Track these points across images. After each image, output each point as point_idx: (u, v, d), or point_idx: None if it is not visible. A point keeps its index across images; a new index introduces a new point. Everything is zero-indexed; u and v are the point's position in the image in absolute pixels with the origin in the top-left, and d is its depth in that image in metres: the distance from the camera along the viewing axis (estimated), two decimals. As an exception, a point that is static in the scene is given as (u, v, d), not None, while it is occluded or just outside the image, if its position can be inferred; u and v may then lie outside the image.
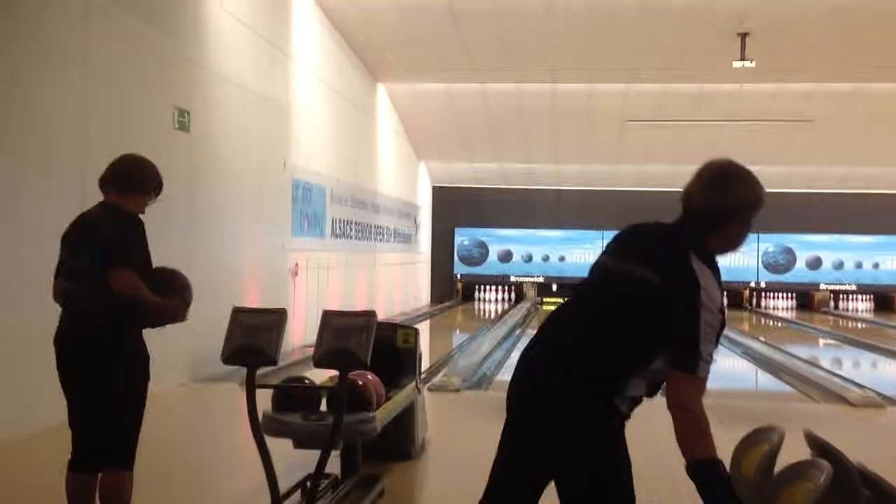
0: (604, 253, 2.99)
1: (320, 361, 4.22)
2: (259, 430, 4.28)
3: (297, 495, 4.91)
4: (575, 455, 2.83)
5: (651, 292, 2.73)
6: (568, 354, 2.81)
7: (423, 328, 16.49)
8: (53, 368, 4.02)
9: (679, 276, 2.73)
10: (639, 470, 3.12)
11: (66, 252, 4.06)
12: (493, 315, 21.43)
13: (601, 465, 2.89)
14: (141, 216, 4.12)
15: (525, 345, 3.00)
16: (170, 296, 4.08)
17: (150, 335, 4.08)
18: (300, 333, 12.72)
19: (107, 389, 3.90)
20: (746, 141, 21.20)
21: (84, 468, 3.97)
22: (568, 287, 25.28)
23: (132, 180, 4.09)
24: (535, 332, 2.99)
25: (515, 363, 2.97)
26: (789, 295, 25.44)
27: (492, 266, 25.10)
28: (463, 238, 25.32)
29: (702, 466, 2.89)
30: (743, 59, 14.49)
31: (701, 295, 2.71)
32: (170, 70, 9.03)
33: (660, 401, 2.93)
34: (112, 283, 3.85)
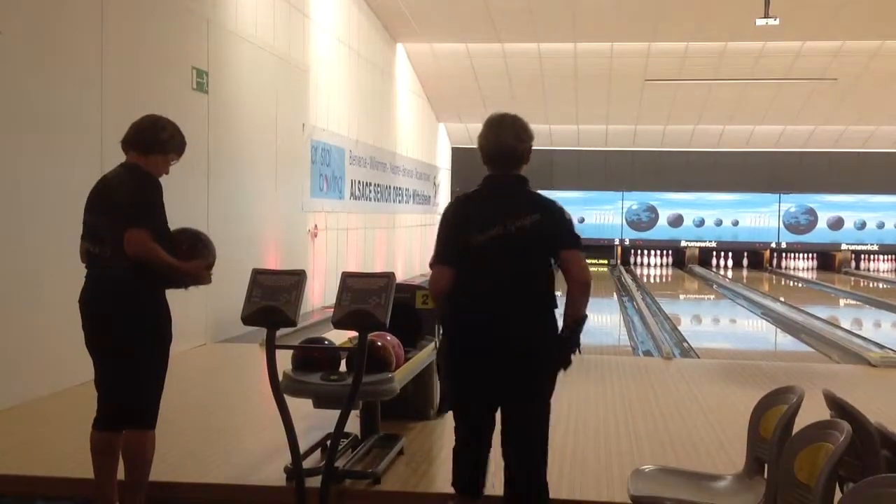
0: (471, 231, 3.75)
1: (339, 323, 4.23)
2: (279, 390, 4.31)
3: (317, 454, 4.97)
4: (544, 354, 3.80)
5: (539, 225, 3.73)
6: (514, 304, 3.74)
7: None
8: (79, 328, 4.06)
9: (547, 207, 3.81)
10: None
11: (89, 214, 4.08)
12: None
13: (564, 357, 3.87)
14: (163, 177, 4.13)
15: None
16: (193, 257, 4.09)
17: (170, 296, 4.11)
18: (319, 295, 12.78)
19: (129, 350, 3.94)
20: (769, 100, 21.02)
21: (108, 427, 4.02)
22: (587, 248, 25.29)
23: (151, 140, 4.09)
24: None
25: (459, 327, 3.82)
26: (810, 255, 25.31)
27: (574, 226, 25.00)
28: (482, 199, 25.23)
29: (583, 320, 3.88)
30: (766, 16, 14.28)
31: (564, 210, 3.89)
32: (188, 31, 9.00)
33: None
34: (126, 245, 3.87)
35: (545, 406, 3.89)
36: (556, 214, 3.82)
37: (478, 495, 3.92)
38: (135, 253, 3.87)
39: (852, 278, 22.75)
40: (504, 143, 3.85)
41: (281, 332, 4.37)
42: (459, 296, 3.78)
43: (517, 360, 3.72)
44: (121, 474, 4.06)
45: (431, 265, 3.87)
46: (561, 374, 3.91)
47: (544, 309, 3.83)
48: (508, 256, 3.73)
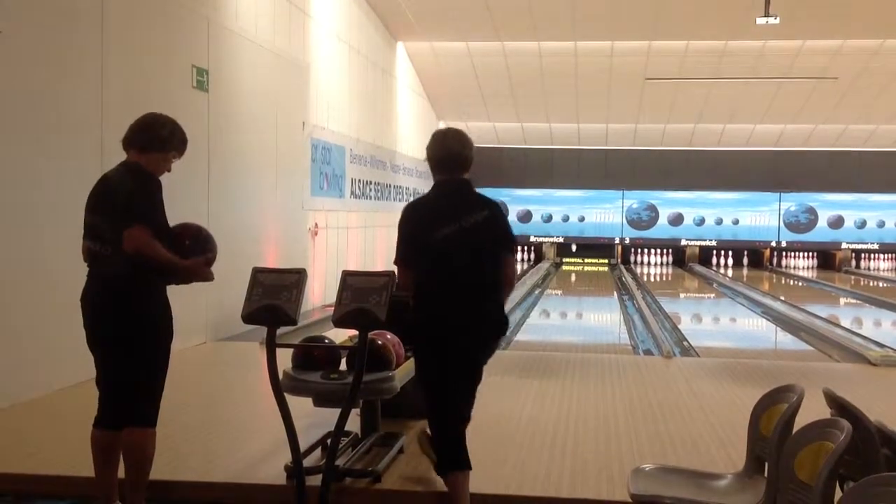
0: (429, 230, 4.18)
1: (340, 321, 4.23)
2: (279, 388, 4.31)
3: (317, 452, 4.97)
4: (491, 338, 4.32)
5: (489, 220, 4.22)
6: (473, 291, 4.16)
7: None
8: (80, 327, 4.06)
9: (492, 205, 4.31)
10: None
11: (89, 213, 4.08)
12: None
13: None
14: (163, 175, 4.12)
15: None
16: (196, 253, 4.09)
17: (171, 294, 4.11)
18: (320, 293, 12.79)
19: (131, 348, 3.94)
20: (769, 99, 21.01)
21: (109, 425, 4.03)
22: (587, 247, 25.31)
23: (150, 139, 4.09)
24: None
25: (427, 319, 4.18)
26: (810, 254, 25.30)
27: (511, 226, 25.00)
28: (482, 198, 25.22)
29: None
30: (767, 15, 14.27)
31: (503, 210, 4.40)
32: (188, 29, 9.00)
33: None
34: (125, 244, 3.86)
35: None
36: (500, 212, 4.36)
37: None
38: (134, 249, 3.87)
39: (852, 277, 22.74)
40: (450, 148, 4.31)
41: (281, 330, 4.37)
42: (424, 287, 4.17)
43: (473, 338, 4.20)
44: (121, 472, 4.06)
45: (395, 263, 4.29)
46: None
47: (495, 294, 4.24)
48: (464, 249, 4.15)
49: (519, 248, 25.29)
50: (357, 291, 4.20)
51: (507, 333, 12.03)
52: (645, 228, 25.15)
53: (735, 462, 4.55)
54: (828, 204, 24.72)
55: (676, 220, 25.02)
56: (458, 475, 4.18)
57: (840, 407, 3.20)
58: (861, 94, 20.25)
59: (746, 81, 19.92)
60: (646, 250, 25.47)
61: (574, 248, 25.28)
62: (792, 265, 25.07)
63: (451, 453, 4.20)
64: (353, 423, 5.06)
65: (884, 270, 24.48)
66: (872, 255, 25.01)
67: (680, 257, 25.17)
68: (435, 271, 4.17)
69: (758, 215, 24.54)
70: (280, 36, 11.49)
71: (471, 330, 4.17)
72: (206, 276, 4.16)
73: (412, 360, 5.16)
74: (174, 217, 4.15)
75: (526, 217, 25.10)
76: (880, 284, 21.04)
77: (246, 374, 7.97)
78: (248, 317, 4.25)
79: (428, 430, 4.48)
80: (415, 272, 4.20)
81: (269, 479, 4.69)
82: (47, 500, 4.58)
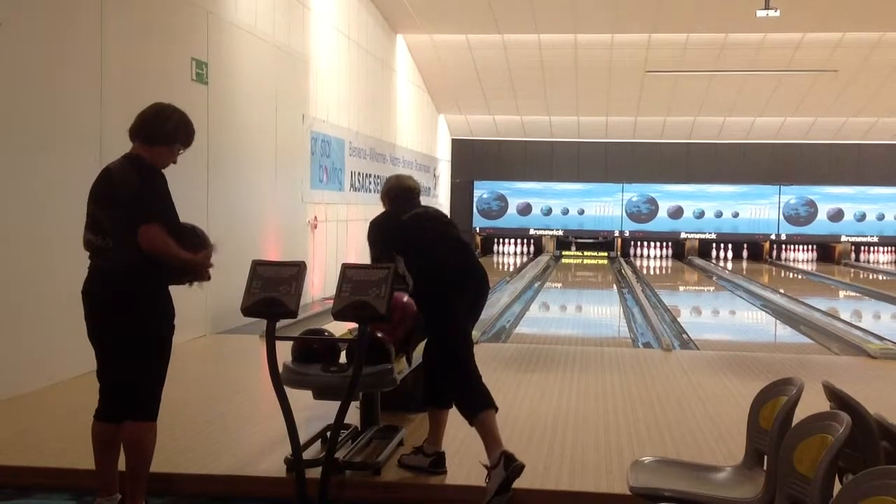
0: (439, 239, 4.87)
1: (339, 314, 4.23)
2: (279, 381, 4.31)
3: (317, 445, 4.97)
4: None
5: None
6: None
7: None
8: (80, 319, 4.06)
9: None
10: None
11: (91, 204, 4.05)
12: (511, 268, 21.44)
13: None
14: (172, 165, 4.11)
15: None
16: (196, 252, 4.08)
17: (171, 288, 4.10)
18: (319, 286, 12.79)
19: (132, 342, 3.93)
20: (769, 92, 20.99)
21: (109, 418, 4.02)
22: (586, 242, 25.29)
23: (155, 131, 4.05)
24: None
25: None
26: (810, 247, 25.30)
27: (511, 219, 25.02)
28: (482, 191, 25.23)
29: None
30: (767, 8, 14.26)
31: None
32: (188, 21, 8.99)
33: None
34: (140, 241, 3.85)
35: None
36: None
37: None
38: (149, 247, 3.85)
39: (852, 270, 22.74)
40: (407, 185, 5.09)
41: (281, 323, 4.37)
42: (450, 271, 4.74)
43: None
44: (121, 465, 4.06)
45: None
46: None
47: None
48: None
49: (518, 240, 25.40)
50: (356, 284, 4.20)
51: (507, 326, 12.22)
52: (645, 221, 25.14)
53: (734, 455, 4.56)
54: (827, 197, 24.72)
55: (676, 213, 25.01)
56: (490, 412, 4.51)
57: (839, 400, 3.20)
58: (861, 86, 20.23)
59: (746, 74, 19.90)
60: (645, 243, 25.46)
61: (573, 242, 25.27)
62: (791, 258, 25.06)
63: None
64: (353, 416, 5.07)
65: (883, 263, 24.49)
66: (872, 248, 25.00)
67: (679, 250, 25.16)
68: (451, 259, 4.86)
69: (757, 208, 24.52)
70: (280, 28, 11.47)
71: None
72: (205, 276, 4.13)
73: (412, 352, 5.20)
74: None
75: (525, 210, 25.08)
76: (880, 277, 21.05)
77: (245, 367, 7.98)
78: (248, 310, 4.25)
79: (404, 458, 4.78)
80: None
81: (268, 472, 4.70)
82: (47, 492, 4.58)
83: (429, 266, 4.70)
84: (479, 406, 4.50)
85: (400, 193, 5.04)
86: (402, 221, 4.88)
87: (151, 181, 3.96)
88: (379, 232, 4.86)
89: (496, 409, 4.55)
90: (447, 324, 4.68)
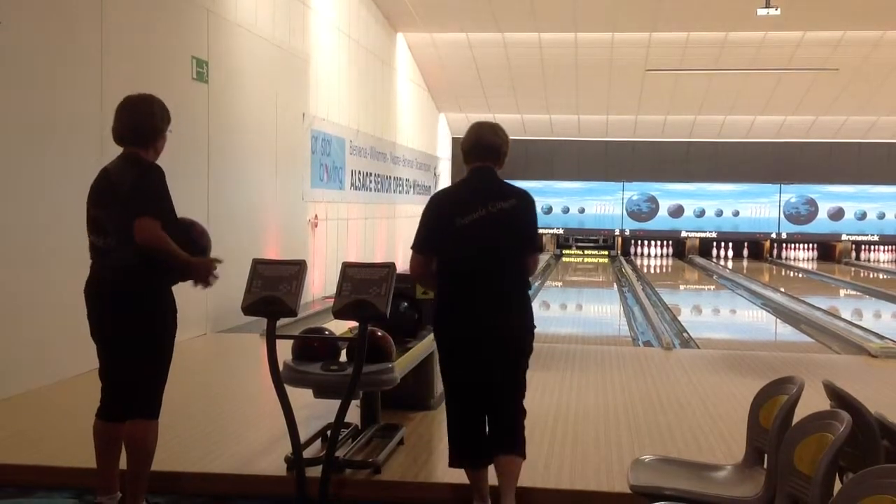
0: (455, 215, 4.13)
1: (340, 313, 4.23)
2: (280, 379, 4.31)
3: (317, 444, 4.98)
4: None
5: (515, 208, 4.20)
6: (490, 276, 4.11)
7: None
8: (81, 318, 4.06)
9: (522, 193, 4.31)
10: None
11: (91, 205, 4.05)
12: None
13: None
14: (165, 165, 4.10)
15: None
16: (199, 253, 4.07)
17: (173, 286, 4.10)
18: (320, 285, 12.79)
19: (134, 341, 3.93)
20: (770, 90, 20.98)
21: (111, 416, 4.03)
22: (587, 239, 25.29)
23: (142, 133, 4.03)
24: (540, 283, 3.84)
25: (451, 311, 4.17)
26: (810, 246, 25.30)
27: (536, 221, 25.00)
28: (482, 189, 25.20)
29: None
30: (768, 6, 14.25)
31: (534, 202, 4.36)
32: (188, 20, 8.98)
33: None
34: (135, 234, 3.84)
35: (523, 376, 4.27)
36: (529, 202, 4.32)
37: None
38: (144, 241, 3.84)
39: (852, 269, 22.74)
40: (483, 136, 4.34)
41: (281, 321, 4.37)
42: (445, 275, 4.18)
43: (501, 340, 4.12)
44: (123, 464, 4.06)
45: (413, 248, 4.27)
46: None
47: (522, 285, 4.23)
48: (490, 235, 4.12)
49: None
50: (357, 283, 4.20)
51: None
52: (645, 220, 25.15)
53: (734, 453, 4.55)
54: (828, 195, 24.71)
55: (676, 211, 25.01)
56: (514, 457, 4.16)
57: (840, 399, 3.20)
58: (862, 85, 20.22)
59: (747, 73, 19.89)
60: (646, 242, 25.46)
61: (573, 240, 25.28)
62: (792, 257, 25.07)
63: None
64: (353, 415, 5.07)
65: (884, 262, 24.48)
66: (872, 247, 25.00)
67: (680, 249, 25.17)
68: (455, 258, 4.16)
69: (758, 207, 24.52)
70: (280, 27, 11.47)
71: (493, 334, 4.10)
72: (209, 280, 4.10)
73: (412, 351, 5.20)
74: (175, 209, 4.13)
75: (526, 209, 25.05)
76: (880, 276, 21.04)
77: (246, 366, 7.98)
78: (248, 308, 4.25)
79: None
80: (427, 263, 4.22)
81: (269, 471, 4.70)
82: (49, 491, 4.58)
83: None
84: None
85: (467, 149, 4.46)
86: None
87: (149, 177, 3.96)
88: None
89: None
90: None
